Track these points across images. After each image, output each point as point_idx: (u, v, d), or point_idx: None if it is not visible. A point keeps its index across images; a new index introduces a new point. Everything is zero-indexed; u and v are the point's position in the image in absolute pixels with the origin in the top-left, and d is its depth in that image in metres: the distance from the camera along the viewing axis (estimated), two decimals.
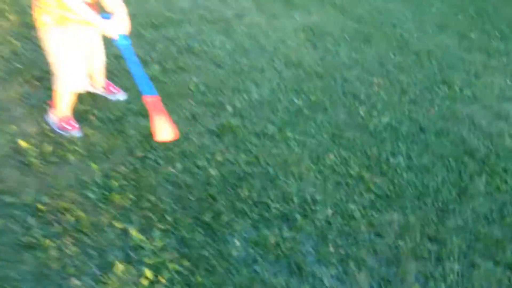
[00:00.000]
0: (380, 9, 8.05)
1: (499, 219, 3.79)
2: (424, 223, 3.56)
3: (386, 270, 3.14)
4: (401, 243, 3.35)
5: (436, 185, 4.02)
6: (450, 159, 4.44)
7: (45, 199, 3.16)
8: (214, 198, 3.41)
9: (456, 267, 3.26)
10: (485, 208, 3.86)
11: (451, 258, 3.32)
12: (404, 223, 3.53)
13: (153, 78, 4.45)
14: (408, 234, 3.44)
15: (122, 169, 3.51)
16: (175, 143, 3.79)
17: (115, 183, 3.35)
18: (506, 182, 4.27)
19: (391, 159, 4.26)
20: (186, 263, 2.92)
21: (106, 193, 3.28)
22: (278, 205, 3.46)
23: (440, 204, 3.79)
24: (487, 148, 4.77)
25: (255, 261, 3.03)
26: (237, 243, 3.11)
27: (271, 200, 3.49)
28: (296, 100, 4.88)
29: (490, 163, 4.49)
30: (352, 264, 3.13)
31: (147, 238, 3.02)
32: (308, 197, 3.59)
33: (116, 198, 3.25)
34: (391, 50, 6.52)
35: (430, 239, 3.45)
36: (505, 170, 4.44)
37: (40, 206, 3.10)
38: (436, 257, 3.31)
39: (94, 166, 3.48)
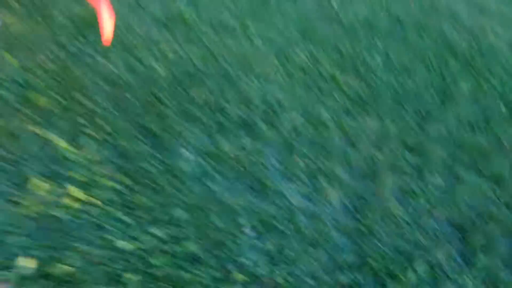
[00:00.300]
0: None
1: (484, 125, 3.44)
2: (403, 132, 3.17)
3: (360, 186, 2.77)
4: (378, 154, 2.97)
5: (417, 88, 3.62)
6: (432, 58, 4.01)
7: None
8: (161, 101, 2.90)
9: (438, 180, 2.91)
10: (469, 113, 3.49)
11: (433, 170, 2.96)
12: (382, 132, 3.13)
13: None
14: (385, 144, 3.05)
15: (48, 64, 2.93)
16: (114, 33, 3.19)
17: (37, 81, 2.78)
18: (491, 84, 3.89)
19: (367, 58, 3.80)
20: (125, 180, 2.45)
21: (26, 93, 2.71)
22: (237, 110, 2.99)
23: (421, 109, 3.40)
24: (469, 46, 4.36)
25: (210, 177, 2.59)
26: (188, 155, 2.65)
27: (230, 104, 3.00)
28: None
29: (474, 63, 4.10)
30: (322, 180, 2.73)
31: (77, 149, 2.51)
32: (273, 101, 3.12)
33: (39, 99, 2.69)
34: None
35: (410, 149, 3.08)
36: (490, 71, 4.05)
37: None
38: (416, 170, 2.95)
39: (11, 60, 2.88)
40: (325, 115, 3.15)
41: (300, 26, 3.94)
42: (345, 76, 3.52)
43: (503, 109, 3.65)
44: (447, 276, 2.37)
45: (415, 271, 2.36)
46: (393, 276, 2.32)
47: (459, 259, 2.48)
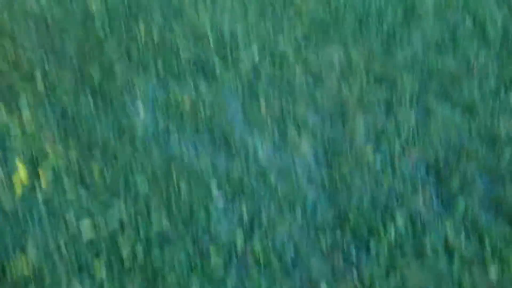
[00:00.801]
0: None
1: (452, 44, 3.36)
2: (369, 60, 3.05)
3: (331, 130, 2.67)
4: (345, 90, 2.84)
5: (379, 4, 3.44)
6: None
7: None
8: (100, 42, 2.61)
9: (411, 116, 2.84)
10: (435, 31, 3.39)
11: (404, 104, 2.88)
12: (347, 62, 3.00)
13: None
14: (352, 76, 2.93)
15: None
16: None
17: None
18: None
19: None
20: (73, 152, 2.23)
21: None
22: (189, 48, 2.74)
23: (385, 31, 3.25)
24: None
25: (167, 134, 2.41)
26: (141, 112, 2.44)
27: (179, 40, 2.75)
28: None
29: None
30: (290, 126, 2.60)
31: (17, 117, 2.25)
32: (228, 34, 2.89)
33: None
34: None
35: (378, 80, 2.97)
36: None
37: None
38: (386, 105, 2.86)
39: None
40: (285, 47, 2.96)
41: None
42: None
43: (469, 23, 3.56)
44: (427, 225, 2.36)
45: (394, 225, 2.33)
46: (373, 233, 2.29)
47: (438, 205, 2.46)
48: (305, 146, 2.55)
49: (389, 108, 2.85)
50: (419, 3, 3.54)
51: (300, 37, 2.98)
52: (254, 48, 2.85)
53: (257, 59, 2.79)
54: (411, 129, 2.76)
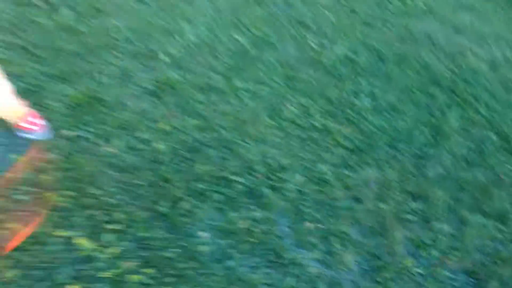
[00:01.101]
0: None
1: (479, 159, 3.73)
2: (403, 178, 3.44)
3: (372, 243, 3.01)
4: (382, 206, 3.22)
5: (407, 126, 3.89)
6: (417, 93, 4.30)
7: None
8: (167, 180, 3.10)
9: (446, 227, 3.18)
10: (462, 147, 3.78)
11: (439, 217, 3.22)
12: (382, 180, 3.39)
13: (66, 28, 3.97)
14: (388, 194, 3.31)
15: (53, 156, 3.10)
16: (107, 112, 3.40)
17: (48, 179, 2.95)
18: (479, 113, 4.20)
19: (355, 101, 4.06)
20: (149, 270, 2.64)
21: (42, 193, 2.88)
22: (241, 179, 3.20)
23: (415, 149, 3.67)
24: (452, 72, 4.67)
25: (227, 255, 2.81)
26: (204, 235, 2.86)
27: (233, 173, 3.22)
28: (237, 37, 4.52)
29: (459, 92, 4.40)
30: (335, 242, 2.97)
31: (100, 245, 2.70)
32: (273, 163, 3.35)
33: (53, 198, 2.86)
34: None
35: (413, 196, 3.34)
36: (476, 98, 4.37)
37: None
38: (422, 218, 3.21)
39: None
40: (325, 171, 3.38)
41: (284, 75, 4.18)
42: (338, 125, 3.77)
43: (494, 138, 3.94)
44: None
45: None
46: None
47: None
48: (350, 259, 2.89)
49: (425, 220, 3.20)
50: (444, 120, 3.97)
51: (337, 160, 3.42)
52: (297, 173, 3.28)
53: (300, 183, 3.21)
54: (447, 238, 3.08)
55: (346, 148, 3.59)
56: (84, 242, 2.69)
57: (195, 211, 2.98)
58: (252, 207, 3.07)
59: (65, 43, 3.94)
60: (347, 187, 3.31)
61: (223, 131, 3.52)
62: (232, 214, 3.00)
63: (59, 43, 3.92)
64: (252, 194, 3.14)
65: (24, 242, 2.64)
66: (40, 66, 3.68)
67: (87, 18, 4.34)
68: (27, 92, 3.38)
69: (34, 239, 2.67)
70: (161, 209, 2.94)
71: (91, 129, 3.31)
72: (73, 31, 4.10)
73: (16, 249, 2.61)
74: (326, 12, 5.25)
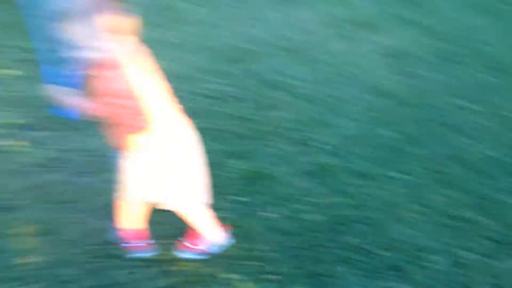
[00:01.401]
0: (467, 26, 7.81)
1: None
2: None
3: None
4: None
5: None
6: None
7: None
8: (319, 246, 3.54)
9: None
10: None
11: None
12: None
13: (242, 118, 4.69)
14: None
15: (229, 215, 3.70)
16: (271, 185, 3.98)
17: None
18: None
19: (504, 198, 4.25)
20: None
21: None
22: (384, 253, 3.54)
23: None
24: None
25: None
26: None
27: (382, 249, 3.58)
28: (391, 134, 4.96)
29: None
30: None
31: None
32: (416, 243, 3.66)
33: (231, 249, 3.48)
34: (484, 71, 6.44)
35: None
36: None
37: None
38: None
39: None
40: (468, 257, 3.61)
41: (433, 169, 4.52)
42: (486, 219, 3.98)
43: None
44: None
45: None
46: None
47: None
48: None
49: None
50: None
51: (483, 251, 3.63)
52: (439, 256, 3.56)
53: (442, 265, 3.48)
54: None
55: (491, 239, 3.80)
56: (248, 285, 3.20)
57: (339, 275, 3.37)
58: (391, 278, 3.40)
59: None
60: (491, 275, 3.50)
61: (372, 211, 3.92)
62: (376, 282, 3.34)
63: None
64: (393, 267, 3.48)
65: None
66: (218, 145, 4.41)
67: (259, 110, 5.09)
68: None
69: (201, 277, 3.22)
70: (310, 268, 3.38)
71: (256, 197, 3.90)
72: (247, 119, 4.85)
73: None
74: (477, 117, 5.52)
